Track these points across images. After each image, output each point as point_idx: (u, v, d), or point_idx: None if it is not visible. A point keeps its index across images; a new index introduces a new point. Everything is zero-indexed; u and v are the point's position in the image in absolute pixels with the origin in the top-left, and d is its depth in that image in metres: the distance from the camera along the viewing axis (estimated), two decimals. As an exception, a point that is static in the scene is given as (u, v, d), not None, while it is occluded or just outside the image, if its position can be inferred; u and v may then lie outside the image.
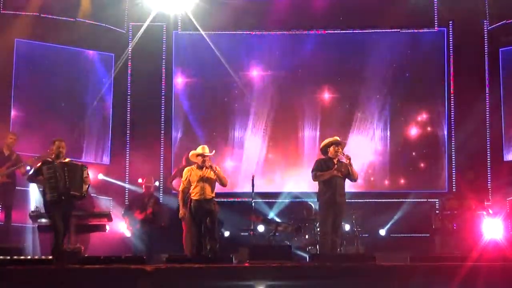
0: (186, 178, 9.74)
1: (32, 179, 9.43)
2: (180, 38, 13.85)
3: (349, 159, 9.45)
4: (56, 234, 9.07)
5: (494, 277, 7.37)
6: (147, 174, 12.40)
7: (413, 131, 13.55)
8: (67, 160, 9.29)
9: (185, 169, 9.93)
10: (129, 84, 13.70)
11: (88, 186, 9.42)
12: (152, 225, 11.59)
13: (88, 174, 9.35)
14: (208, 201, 9.60)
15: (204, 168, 9.60)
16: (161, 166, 13.60)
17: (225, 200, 12.61)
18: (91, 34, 13.08)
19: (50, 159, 9.24)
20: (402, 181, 13.55)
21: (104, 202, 12.68)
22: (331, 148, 9.56)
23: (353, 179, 9.59)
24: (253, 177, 11.15)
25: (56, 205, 9.07)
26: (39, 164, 9.26)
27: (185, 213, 9.77)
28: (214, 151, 9.92)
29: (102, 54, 13.43)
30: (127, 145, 13.60)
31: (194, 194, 9.61)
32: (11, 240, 10.73)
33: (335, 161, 9.51)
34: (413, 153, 13.50)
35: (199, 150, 9.72)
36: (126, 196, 13.30)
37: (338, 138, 9.70)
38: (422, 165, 13.46)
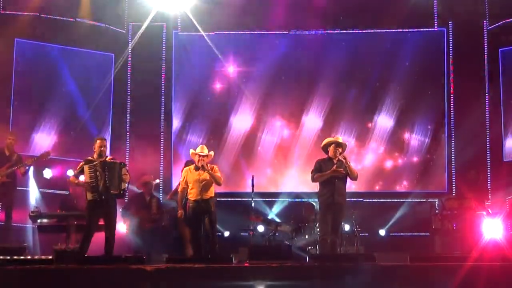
0: (184, 179, 9.77)
1: (75, 180, 9.40)
2: (180, 38, 13.86)
3: (345, 158, 9.44)
4: (85, 235, 9.16)
5: (494, 277, 7.37)
6: (147, 173, 12.41)
7: (413, 131, 13.54)
8: (108, 158, 9.32)
9: (183, 170, 9.96)
10: (129, 84, 13.71)
11: (128, 184, 9.43)
12: (155, 225, 11.57)
13: (127, 172, 9.38)
14: (205, 201, 9.60)
15: (200, 169, 9.62)
16: (161, 166, 13.61)
17: (225, 200, 12.62)
18: (91, 34, 13.09)
19: (91, 158, 9.30)
20: (402, 181, 13.55)
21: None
22: (331, 148, 9.56)
23: (353, 177, 9.58)
24: (253, 177, 11.15)
25: (96, 205, 9.12)
26: (81, 164, 9.32)
27: (182, 213, 9.80)
28: (212, 152, 9.88)
29: (102, 54, 13.43)
30: (127, 145, 13.61)
31: (192, 195, 9.64)
32: (11, 240, 10.73)
33: (335, 160, 9.50)
34: (413, 153, 13.50)
35: (197, 150, 9.76)
36: (126, 195, 13.28)
37: (339, 139, 9.68)
38: (422, 165, 13.46)
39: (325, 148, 9.67)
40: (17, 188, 11.07)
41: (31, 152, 12.05)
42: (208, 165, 9.68)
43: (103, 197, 9.12)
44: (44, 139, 12.60)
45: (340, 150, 9.50)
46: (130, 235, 11.39)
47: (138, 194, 12.02)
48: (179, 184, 10.84)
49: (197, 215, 9.62)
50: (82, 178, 9.41)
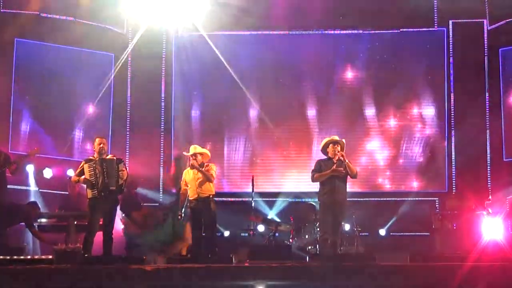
0: (183, 179, 9.81)
1: (76, 179, 9.43)
2: (180, 38, 13.86)
3: (343, 156, 9.44)
4: (87, 234, 9.18)
5: (494, 277, 7.36)
6: (147, 174, 12.43)
7: (413, 131, 13.54)
8: (109, 156, 9.33)
9: (183, 173, 10.02)
10: (129, 84, 13.72)
11: (125, 180, 9.42)
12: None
13: (124, 168, 9.40)
14: (204, 200, 9.62)
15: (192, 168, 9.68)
16: (161, 166, 13.61)
17: (225, 200, 12.62)
18: (91, 34, 13.07)
19: (91, 157, 9.37)
20: (402, 181, 13.55)
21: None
22: (330, 147, 9.57)
23: (353, 175, 9.58)
24: (253, 177, 11.15)
25: (97, 203, 9.15)
26: (82, 163, 9.37)
27: (182, 216, 9.83)
28: (204, 150, 9.87)
29: (102, 54, 13.43)
30: (127, 145, 13.61)
31: (190, 194, 9.69)
32: (11, 240, 10.71)
33: (335, 160, 9.51)
34: (413, 153, 13.50)
35: (190, 150, 9.80)
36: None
37: (336, 137, 9.70)
38: (422, 165, 13.46)
39: (324, 150, 9.69)
40: (18, 187, 11.06)
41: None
42: (205, 164, 9.73)
43: (102, 194, 9.15)
44: (43, 139, 12.59)
45: (339, 148, 9.51)
46: (132, 236, 11.33)
47: (128, 194, 11.71)
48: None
49: (196, 214, 9.64)
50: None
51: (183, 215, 9.87)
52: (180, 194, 10.01)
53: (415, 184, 13.45)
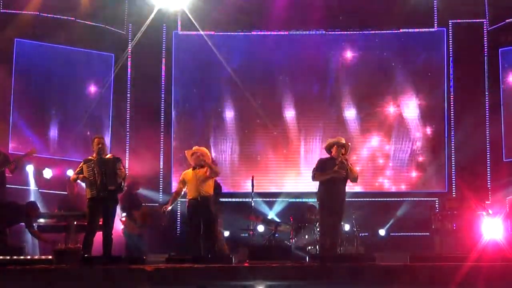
0: (181, 179, 9.80)
1: (75, 177, 9.44)
2: (180, 38, 13.87)
3: (346, 160, 9.43)
4: (87, 234, 9.18)
5: (494, 277, 7.36)
6: (147, 174, 12.43)
7: (413, 131, 13.55)
8: (108, 156, 9.33)
9: (183, 172, 10.02)
10: (129, 84, 13.73)
11: (124, 178, 9.41)
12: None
13: (122, 167, 9.40)
14: (204, 199, 9.60)
15: (197, 167, 9.66)
16: (161, 166, 13.62)
17: (225, 200, 12.62)
18: (91, 34, 13.08)
19: (90, 157, 9.35)
20: (402, 181, 13.55)
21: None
22: (334, 149, 9.56)
23: (353, 179, 9.57)
24: (252, 177, 11.15)
25: (96, 203, 9.15)
26: (81, 164, 9.37)
27: (167, 209, 9.79)
28: (202, 148, 9.89)
29: (102, 54, 13.43)
30: (127, 145, 13.62)
31: (190, 193, 9.68)
32: (11, 240, 10.70)
33: (337, 161, 9.50)
34: (413, 153, 13.50)
35: (193, 149, 9.83)
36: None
37: (342, 140, 9.65)
38: (422, 165, 13.47)
39: (328, 149, 9.68)
40: (19, 187, 11.07)
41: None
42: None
43: (101, 194, 9.14)
44: (43, 139, 12.59)
45: (343, 151, 9.49)
46: (132, 236, 11.33)
47: (129, 194, 11.51)
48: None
49: (195, 214, 9.61)
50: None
51: (167, 211, 9.84)
52: (174, 192, 10.01)
53: (415, 184, 13.44)
